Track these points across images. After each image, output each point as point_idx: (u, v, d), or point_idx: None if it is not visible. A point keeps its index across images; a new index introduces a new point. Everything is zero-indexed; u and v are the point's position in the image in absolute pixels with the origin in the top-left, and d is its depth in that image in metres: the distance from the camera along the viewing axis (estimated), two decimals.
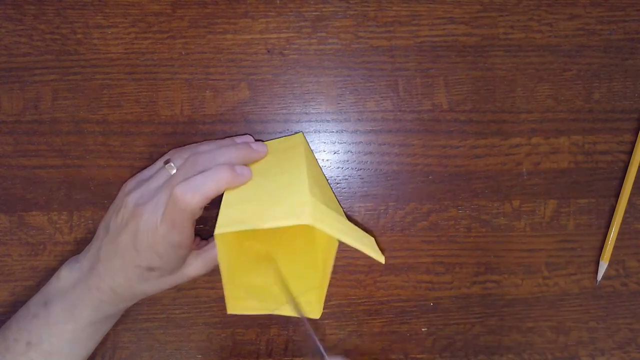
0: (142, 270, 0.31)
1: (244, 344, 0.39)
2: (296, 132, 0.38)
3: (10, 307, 0.38)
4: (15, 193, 0.38)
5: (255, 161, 0.34)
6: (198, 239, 0.36)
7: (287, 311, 0.32)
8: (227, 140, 0.36)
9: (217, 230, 0.26)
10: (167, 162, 0.33)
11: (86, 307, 0.32)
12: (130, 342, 0.38)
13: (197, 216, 0.30)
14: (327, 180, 0.39)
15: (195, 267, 0.33)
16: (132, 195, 0.32)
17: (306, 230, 0.31)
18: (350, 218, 0.39)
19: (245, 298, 0.32)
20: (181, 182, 0.29)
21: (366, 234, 0.30)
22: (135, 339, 0.38)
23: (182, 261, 0.32)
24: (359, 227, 0.33)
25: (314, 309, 0.32)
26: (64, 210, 0.38)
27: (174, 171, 0.32)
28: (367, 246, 0.28)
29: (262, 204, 0.28)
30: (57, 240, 0.38)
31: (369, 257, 0.38)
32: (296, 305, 0.31)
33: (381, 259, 0.28)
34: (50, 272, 0.36)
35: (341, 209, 0.38)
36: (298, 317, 0.38)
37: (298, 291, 0.32)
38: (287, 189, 0.29)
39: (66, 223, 0.38)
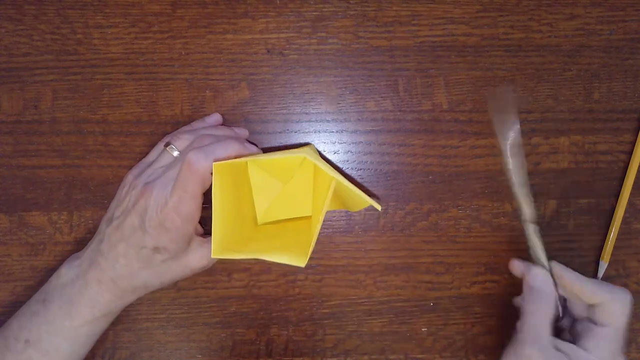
0: (147, 252, 0.31)
1: (244, 344, 0.39)
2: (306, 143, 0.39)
3: (10, 307, 0.38)
4: (15, 193, 0.38)
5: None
6: (202, 229, 0.37)
7: (273, 257, 0.31)
8: (226, 128, 0.37)
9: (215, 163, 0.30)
10: (167, 144, 0.34)
11: (84, 304, 0.32)
12: (130, 342, 0.38)
13: (206, 185, 0.31)
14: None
15: (198, 255, 0.33)
16: (141, 177, 0.33)
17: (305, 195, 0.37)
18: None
19: (231, 244, 0.32)
20: (194, 149, 0.31)
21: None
22: (135, 339, 0.38)
23: (187, 243, 0.33)
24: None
25: (300, 259, 0.31)
26: (64, 210, 0.38)
27: (176, 153, 0.34)
28: (362, 193, 0.29)
29: (261, 156, 0.32)
30: (57, 240, 0.38)
31: (369, 260, 0.39)
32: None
33: (377, 206, 0.29)
34: (50, 272, 0.36)
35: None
36: (297, 316, 0.39)
37: (287, 242, 0.33)
38: (287, 153, 0.32)
39: (66, 223, 0.38)
